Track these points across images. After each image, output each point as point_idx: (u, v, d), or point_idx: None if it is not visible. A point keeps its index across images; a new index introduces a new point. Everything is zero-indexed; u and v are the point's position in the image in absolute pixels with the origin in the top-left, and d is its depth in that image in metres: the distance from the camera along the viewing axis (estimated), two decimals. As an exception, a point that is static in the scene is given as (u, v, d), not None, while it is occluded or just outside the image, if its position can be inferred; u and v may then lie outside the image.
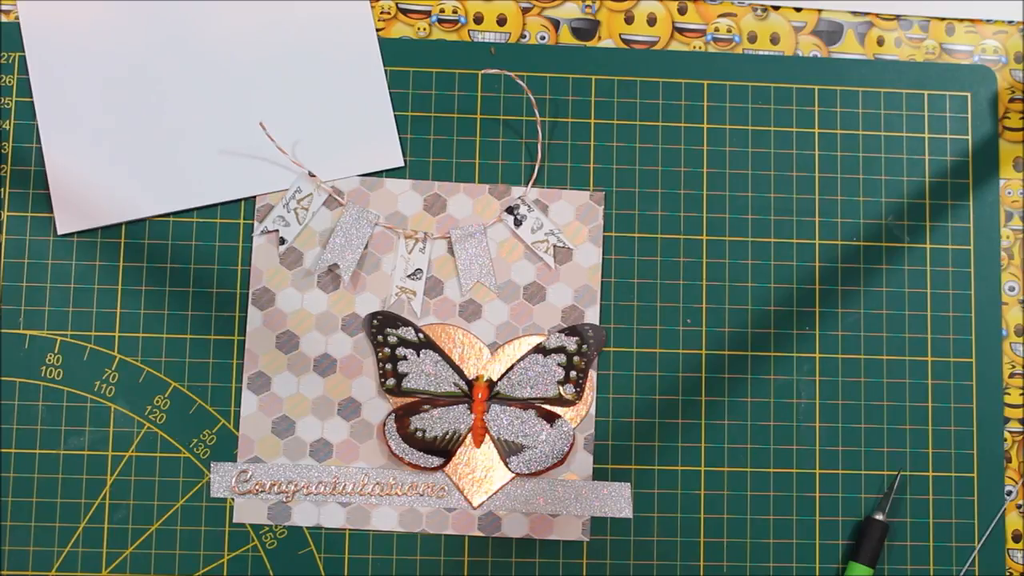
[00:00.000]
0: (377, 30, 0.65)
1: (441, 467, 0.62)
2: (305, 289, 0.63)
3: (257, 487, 0.61)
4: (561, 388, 0.62)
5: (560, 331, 0.63)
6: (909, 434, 0.64)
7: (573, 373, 0.62)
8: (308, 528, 0.61)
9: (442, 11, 0.66)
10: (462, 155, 0.64)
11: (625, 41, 0.66)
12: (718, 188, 0.65)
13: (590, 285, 0.64)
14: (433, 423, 0.62)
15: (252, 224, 0.63)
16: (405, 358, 0.62)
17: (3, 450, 0.61)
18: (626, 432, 0.63)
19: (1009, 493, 0.64)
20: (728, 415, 0.63)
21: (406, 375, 0.62)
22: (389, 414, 0.62)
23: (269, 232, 0.63)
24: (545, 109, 0.65)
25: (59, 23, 0.64)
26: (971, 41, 0.68)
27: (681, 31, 0.67)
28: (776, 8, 0.67)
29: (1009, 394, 0.65)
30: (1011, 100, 0.67)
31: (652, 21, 0.67)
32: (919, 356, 0.64)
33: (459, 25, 0.66)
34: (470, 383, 0.62)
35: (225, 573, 0.61)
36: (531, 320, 0.63)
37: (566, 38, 0.66)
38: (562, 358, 0.62)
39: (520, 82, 0.64)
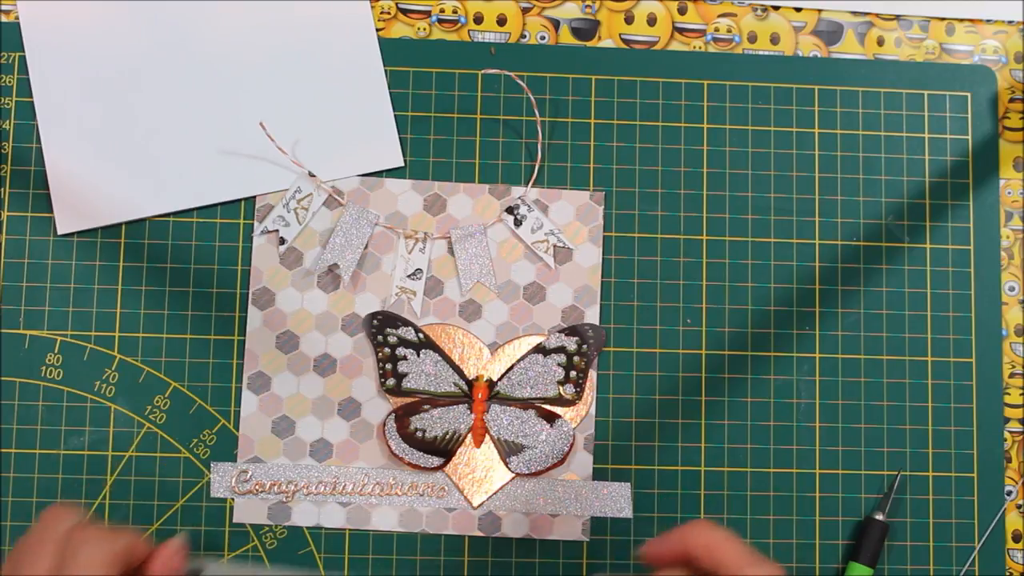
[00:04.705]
0: (377, 30, 0.65)
1: (441, 467, 0.62)
2: (305, 289, 0.63)
3: (257, 487, 0.61)
4: (561, 388, 0.62)
5: (560, 331, 0.63)
6: (909, 434, 0.64)
7: (573, 373, 0.62)
8: (308, 528, 0.61)
9: (442, 11, 0.66)
10: (462, 155, 0.64)
11: (625, 41, 0.66)
12: (718, 188, 0.65)
13: (590, 285, 0.64)
14: (433, 423, 0.62)
15: (252, 224, 0.63)
16: (405, 358, 0.62)
17: (3, 450, 0.61)
18: (626, 432, 0.63)
19: (1009, 493, 0.64)
20: (728, 415, 0.63)
21: (406, 375, 0.62)
22: (389, 414, 0.62)
23: (269, 232, 0.63)
24: (545, 109, 0.65)
25: (59, 23, 0.64)
26: (971, 41, 0.68)
27: (681, 31, 0.67)
28: (776, 8, 0.67)
29: (1009, 394, 0.65)
30: (1011, 100, 0.67)
31: (652, 21, 0.67)
32: (919, 356, 0.64)
33: (459, 25, 0.66)
34: (470, 383, 0.62)
35: (225, 573, 0.61)
36: (531, 320, 0.63)
37: (566, 38, 0.66)
38: (562, 358, 0.62)
39: (520, 82, 0.64)
